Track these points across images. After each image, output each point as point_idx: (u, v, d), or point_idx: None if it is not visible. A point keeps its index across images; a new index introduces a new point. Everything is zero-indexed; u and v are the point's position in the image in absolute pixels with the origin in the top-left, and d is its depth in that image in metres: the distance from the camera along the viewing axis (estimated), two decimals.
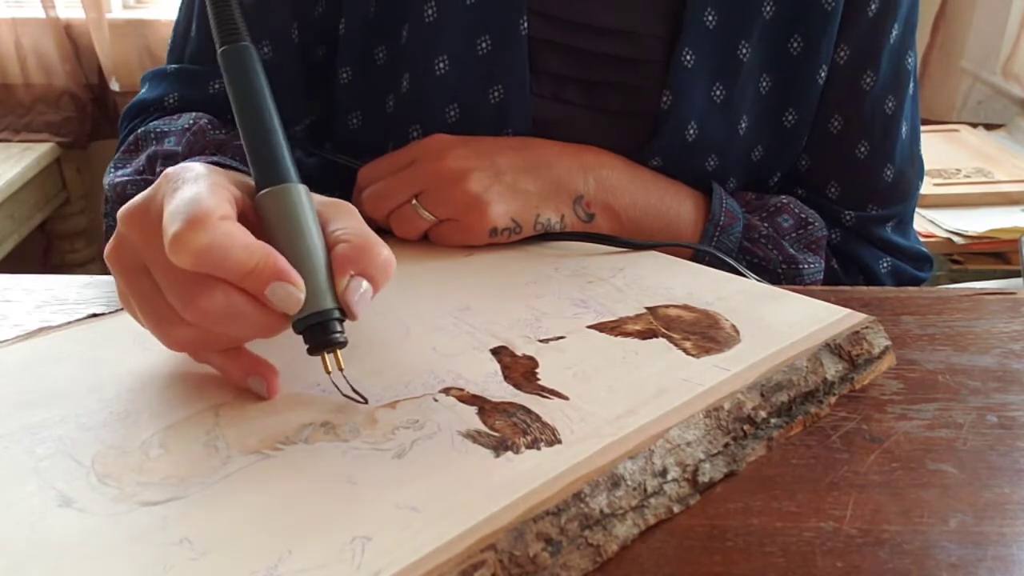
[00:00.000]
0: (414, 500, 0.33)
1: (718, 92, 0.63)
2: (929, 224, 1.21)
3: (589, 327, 0.46)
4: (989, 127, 1.54)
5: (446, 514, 0.32)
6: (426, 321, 0.47)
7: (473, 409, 0.39)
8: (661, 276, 0.52)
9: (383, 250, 0.38)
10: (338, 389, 0.39)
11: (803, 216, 0.65)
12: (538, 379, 0.41)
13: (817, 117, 0.66)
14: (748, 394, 0.40)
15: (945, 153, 1.39)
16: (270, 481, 0.34)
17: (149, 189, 0.39)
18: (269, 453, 0.36)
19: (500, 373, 0.41)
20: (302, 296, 0.37)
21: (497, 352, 0.43)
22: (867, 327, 0.46)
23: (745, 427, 0.39)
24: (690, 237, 0.62)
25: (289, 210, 0.38)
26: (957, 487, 0.37)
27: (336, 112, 0.68)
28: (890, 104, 0.66)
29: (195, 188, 0.37)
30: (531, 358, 0.43)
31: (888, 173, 0.67)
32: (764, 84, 0.64)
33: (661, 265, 0.55)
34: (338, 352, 0.38)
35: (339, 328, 0.38)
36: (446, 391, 0.40)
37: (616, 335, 0.45)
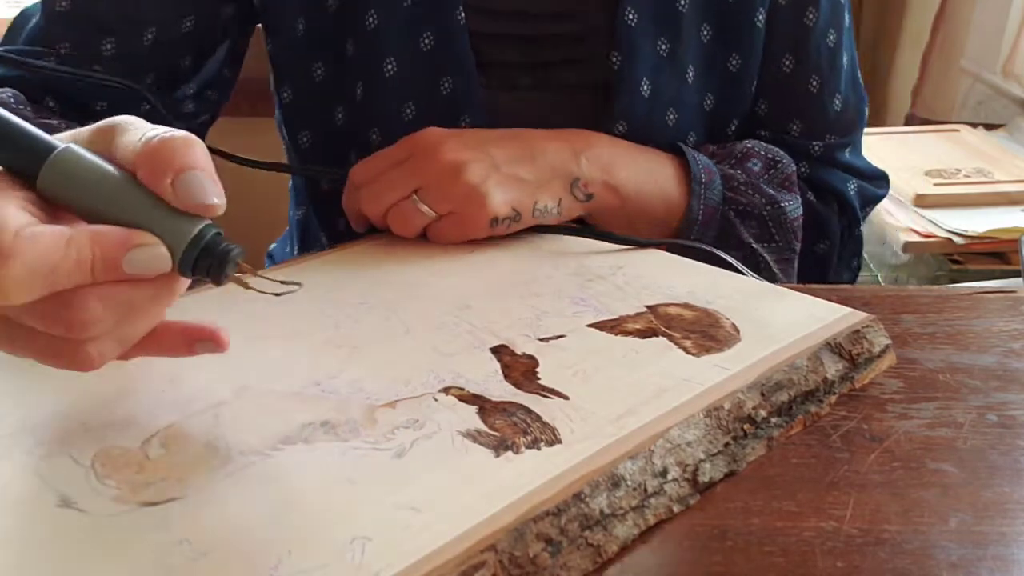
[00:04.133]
0: (414, 500, 0.33)
1: (663, 46, 0.64)
2: (929, 224, 1.21)
3: (589, 326, 0.46)
4: (989, 127, 1.54)
5: (446, 514, 0.32)
6: (426, 320, 0.47)
7: (473, 409, 0.39)
8: (661, 274, 0.52)
9: (178, 136, 0.33)
10: (274, 293, 0.36)
11: (770, 156, 0.66)
12: (538, 378, 0.41)
13: (768, 60, 0.68)
14: (748, 393, 0.40)
15: (945, 153, 1.39)
16: (270, 481, 0.34)
17: None
18: (269, 453, 0.36)
19: (500, 372, 0.41)
20: (161, 246, 0.33)
21: (497, 351, 0.43)
22: (867, 326, 0.46)
23: (745, 427, 0.39)
24: (679, 199, 0.63)
25: (76, 176, 0.33)
26: (957, 486, 0.37)
27: (285, 133, 0.69)
28: (831, 37, 0.68)
29: None
30: (531, 357, 0.43)
31: (837, 103, 0.70)
32: (705, 33, 0.65)
33: (661, 263, 0.55)
34: (240, 261, 0.35)
35: (221, 239, 0.34)
36: (446, 390, 0.40)
37: (616, 334, 0.45)
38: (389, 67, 0.62)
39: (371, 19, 0.62)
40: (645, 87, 0.63)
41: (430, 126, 0.60)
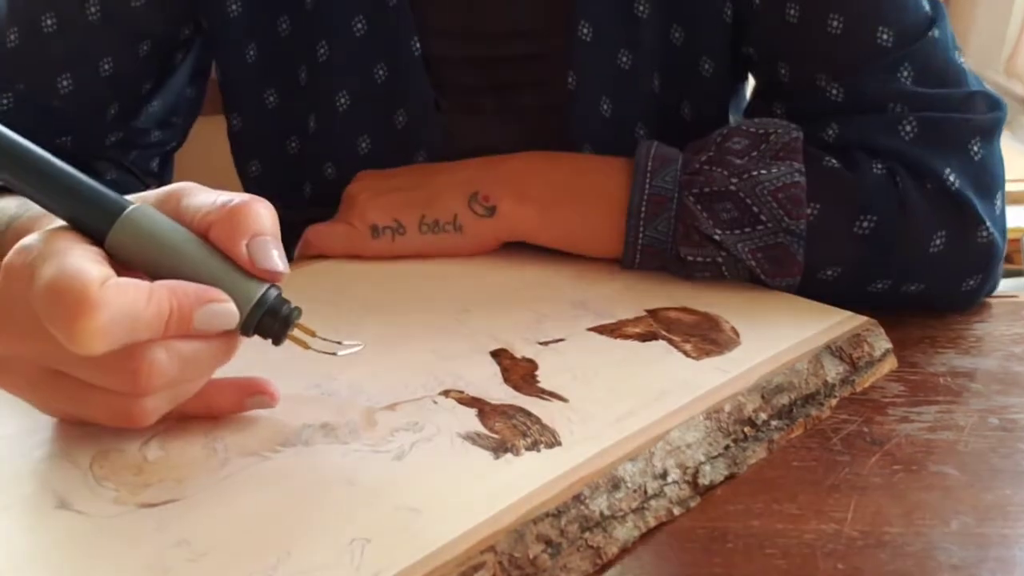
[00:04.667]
0: (414, 502, 0.33)
1: (624, 59, 0.60)
2: None
3: (589, 329, 0.46)
4: None
5: (446, 516, 0.32)
6: (426, 323, 0.47)
7: (473, 411, 0.38)
8: (661, 278, 0.52)
9: (253, 203, 0.35)
10: (333, 353, 0.37)
11: (758, 131, 0.53)
12: (538, 381, 0.41)
13: (760, 40, 0.59)
14: (749, 396, 0.40)
15: None
16: (269, 483, 0.34)
17: None
18: (268, 455, 0.36)
19: (500, 375, 0.41)
20: (232, 304, 0.34)
21: (497, 354, 0.43)
22: (868, 329, 0.46)
23: (746, 429, 0.39)
24: (620, 197, 0.53)
25: (148, 235, 0.34)
26: (959, 489, 0.37)
27: (235, 161, 0.68)
28: None
29: (53, 265, 0.32)
30: (531, 360, 0.43)
31: (834, 24, 0.54)
32: (676, 36, 0.61)
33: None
34: (300, 322, 0.36)
35: (284, 302, 0.36)
36: (446, 393, 0.40)
37: (616, 337, 0.45)
38: (342, 100, 0.61)
39: (323, 50, 0.61)
40: (605, 105, 0.61)
41: (385, 159, 0.60)
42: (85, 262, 0.32)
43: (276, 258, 0.35)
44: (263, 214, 0.35)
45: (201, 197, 0.36)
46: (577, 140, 0.61)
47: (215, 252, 0.35)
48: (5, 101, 0.58)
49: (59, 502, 0.33)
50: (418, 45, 0.60)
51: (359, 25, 0.60)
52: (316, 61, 0.61)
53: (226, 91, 0.65)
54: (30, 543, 0.31)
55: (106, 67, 0.60)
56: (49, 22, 0.57)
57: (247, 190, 0.68)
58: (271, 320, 0.35)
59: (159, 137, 0.67)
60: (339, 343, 0.37)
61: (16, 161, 0.35)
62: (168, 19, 0.61)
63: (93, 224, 0.34)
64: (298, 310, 0.36)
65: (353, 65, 0.61)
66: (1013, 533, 0.35)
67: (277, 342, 0.36)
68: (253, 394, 0.37)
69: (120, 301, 0.31)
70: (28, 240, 0.34)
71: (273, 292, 0.35)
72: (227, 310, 0.34)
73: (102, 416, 0.34)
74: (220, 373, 0.37)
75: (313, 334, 0.37)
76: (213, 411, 0.37)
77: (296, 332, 0.36)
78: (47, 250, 0.32)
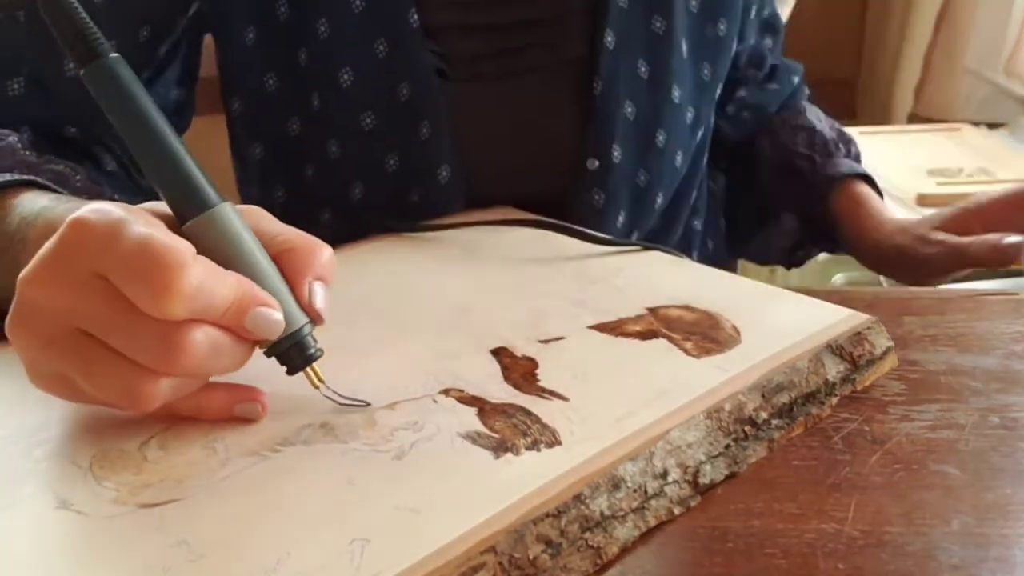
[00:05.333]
0: (413, 502, 0.33)
1: (658, 24, 0.64)
2: None
3: (589, 328, 0.46)
4: (991, 126, 1.54)
5: (446, 516, 0.32)
6: (426, 322, 0.47)
7: (473, 410, 0.38)
8: (662, 276, 0.52)
9: (324, 246, 0.38)
10: (335, 401, 0.38)
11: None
12: (538, 380, 0.41)
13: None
14: (749, 395, 0.40)
15: (947, 152, 1.39)
16: (269, 483, 0.34)
17: (50, 245, 0.34)
18: (268, 455, 0.36)
19: (500, 374, 0.41)
20: (282, 318, 0.35)
21: (497, 353, 0.43)
22: (869, 328, 0.46)
23: (746, 428, 0.39)
24: None
25: (231, 233, 0.36)
26: (959, 488, 0.37)
27: (235, 147, 0.68)
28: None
29: (143, 228, 0.33)
30: (531, 359, 0.43)
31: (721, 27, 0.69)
32: (692, 4, 0.67)
33: (662, 265, 0.54)
34: (316, 365, 0.38)
35: (314, 341, 0.38)
36: (445, 392, 0.40)
37: (616, 336, 0.45)
38: (345, 77, 0.62)
39: (323, 27, 0.61)
40: (642, 68, 0.64)
41: (389, 134, 0.61)
42: (173, 234, 0.33)
43: (325, 304, 0.37)
44: (330, 260, 0.38)
45: (276, 225, 0.38)
46: (614, 99, 0.63)
47: (275, 270, 0.37)
48: (16, 86, 0.59)
49: (59, 502, 0.33)
50: (416, 16, 0.60)
51: (358, 1, 0.60)
52: (317, 39, 0.61)
53: (225, 75, 0.65)
54: (30, 543, 0.31)
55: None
56: None
57: (247, 176, 0.69)
58: (296, 351, 0.37)
59: None
60: (344, 397, 0.38)
61: (138, 122, 0.36)
62: (169, 2, 0.62)
63: (182, 204, 0.36)
64: (321, 351, 0.38)
65: (354, 41, 0.61)
66: (1014, 533, 0.35)
67: (291, 372, 0.38)
68: (244, 401, 0.37)
69: (206, 271, 0.33)
70: (101, 204, 0.34)
71: (308, 328, 0.37)
72: (277, 320, 0.35)
73: (111, 388, 0.34)
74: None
75: (322, 381, 0.38)
76: (203, 413, 0.37)
77: (310, 371, 0.38)
78: (132, 216, 0.33)
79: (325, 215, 0.67)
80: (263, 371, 0.38)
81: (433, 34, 0.61)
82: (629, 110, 0.64)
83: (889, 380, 0.45)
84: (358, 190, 0.65)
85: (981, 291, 0.56)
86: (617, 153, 0.64)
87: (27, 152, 0.55)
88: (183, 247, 0.33)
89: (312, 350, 0.37)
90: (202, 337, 0.33)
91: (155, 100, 0.66)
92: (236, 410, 0.37)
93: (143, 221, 0.33)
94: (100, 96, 0.36)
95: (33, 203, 0.44)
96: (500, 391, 0.40)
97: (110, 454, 0.36)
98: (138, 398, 0.34)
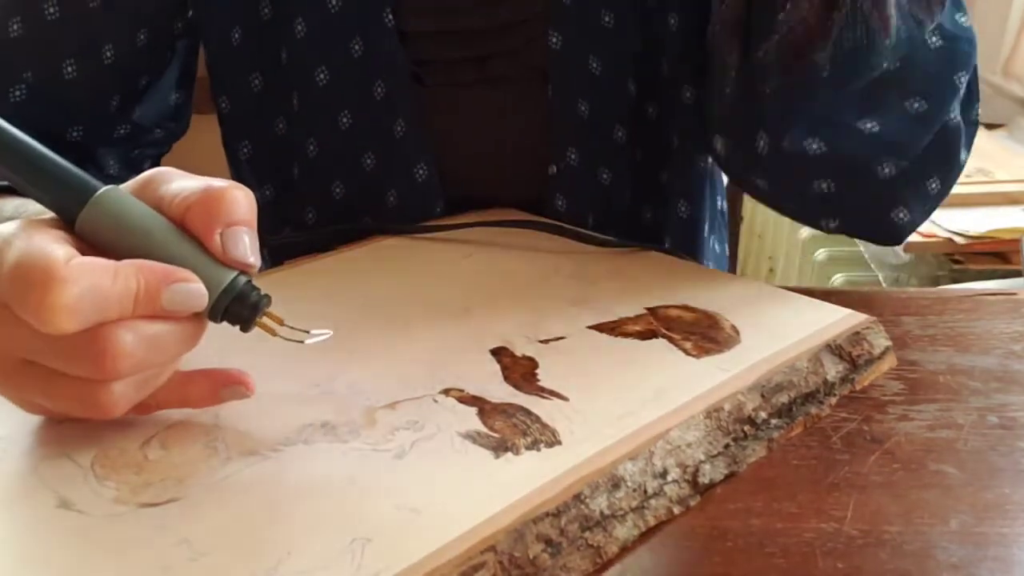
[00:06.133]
0: (414, 501, 0.33)
1: (607, 19, 0.61)
2: (930, 224, 1.20)
3: (589, 328, 0.46)
4: (990, 127, 1.54)
5: (446, 515, 0.32)
6: (425, 322, 0.47)
7: (473, 410, 0.39)
8: (661, 276, 0.52)
9: (231, 189, 0.35)
10: (302, 342, 0.37)
11: None
12: (538, 380, 0.41)
13: None
14: (748, 395, 0.40)
15: None
16: (269, 482, 0.34)
17: None
18: (268, 454, 0.36)
19: (500, 374, 0.41)
20: (201, 284, 0.33)
21: (497, 353, 0.43)
22: (868, 328, 0.46)
23: (745, 428, 0.39)
24: None
25: (119, 216, 0.34)
26: (958, 488, 0.37)
27: (226, 146, 0.68)
28: None
29: (19, 246, 0.31)
30: (531, 359, 0.43)
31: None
32: None
33: (661, 265, 0.55)
34: (270, 310, 0.36)
35: (254, 288, 0.35)
36: (446, 392, 0.40)
37: (616, 336, 0.45)
38: (321, 76, 0.62)
39: (300, 27, 0.61)
40: (594, 64, 0.61)
41: (366, 132, 0.60)
42: (49, 243, 0.32)
43: (248, 248, 0.35)
44: (240, 201, 0.35)
45: (179, 183, 0.35)
46: (566, 100, 0.62)
47: (187, 238, 0.34)
48: (18, 93, 0.59)
49: (60, 501, 0.33)
50: (391, 17, 0.60)
51: (334, 1, 0.60)
52: (294, 38, 0.62)
53: (214, 75, 0.66)
54: (31, 542, 0.31)
55: (108, 54, 0.60)
56: (52, 9, 0.58)
57: (239, 174, 0.69)
58: (239, 306, 0.35)
59: (155, 137, 0.68)
60: (307, 331, 0.37)
61: None
62: (164, 4, 0.62)
63: (64, 205, 0.34)
64: (267, 297, 0.36)
65: (329, 40, 0.61)
66: (1012, 532, 0.35)
67: (245, 328, 0.36)
68: (228, 385, 0.37)
69: (87, 277, 0.31)
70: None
71: (242, 279, 0.35)
72: (195, 290, 0.33)
73: (72, 405, 0.34)
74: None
75: (281, 322, 0.37)
76: (188, 403, 0.37)
77: (265, 320, 0.36)
78: (13, 236, 0.32)
79: (309, 215, 0.67)
80: (264, 371, 0.38)
81: (409, 40, 0.61)
82: (583, 108, 0.63)
83: (888, 380, 0.45)
84: (338, 189, 0.65)
85: (980, 291, 0.56)
86: (574, 156, 0.63)
87: None
88: (54, 257, 0.31)
89: (254, 298, 0.35)
90: (128, 336, 0.32)
91: (156, 104, 0.64)
92: (221, 394, 0.37)
93: (24, 237, 0.32)
94: None
95: None
96: (500, 391, 0.40)
97: (111, 453, 0.36)
98: (97, 408, 0.33)
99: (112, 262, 0.32)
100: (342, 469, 0.35)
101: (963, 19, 0.54)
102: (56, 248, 0.31)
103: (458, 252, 0.56)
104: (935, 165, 0.55)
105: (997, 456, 0.39)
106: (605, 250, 0.56)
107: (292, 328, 0.37)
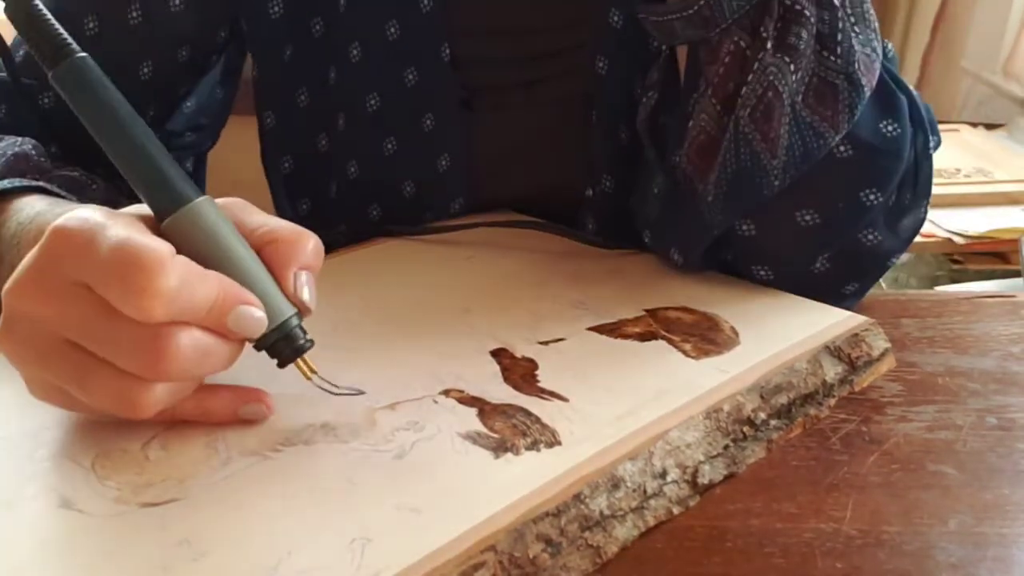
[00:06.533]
0: (414, 501, 0.33)
1: (654, 44, 0.58)
2: (929, 224, 1.20)
3: (589, 329, 0.46)
4: (989, 127, 1.54)
5: (446, 515, 0.32)
6: (426, 323, 0.47)
7: (473, 411, 0.39)
8: (661, 278, 0.52)
9: (310, 235, 0.37)
10: (329, 392, 0.38)
11: None
12: (538, 381, 0.41)
13: None
14: (748, 396, 0.40)
15: (945, 153, 1.39)
16: (270, 482, 0.34)
17: (32, 255, 0.33)
18: (269, 454, 0.36)
19: (500, 375, 0.41)
20: (264, 314, 0.35)
21: (497, 354, 0.43)
22: (866, 329, 0.46)
23: (745, 429, 0.39)
24: None
25: (209, 229, 0.35)
26: (957, 488, 0.37)
27: (265, 159, 0.68)
28: None
29: (120, 231, 0.32)
30: (531, 360, 0.43)
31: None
32: None
33: (660, 267, 0.55)
34: (307, 357, 0.37)
35: (304, 333, 0.37)
36: (446, 393, 0.40)
37: (616, 337, 0.45)
38: (372, 102, 0.62)
39: (355, 51, 0.61)
40: (638, 90, 0.59)
41: (409, 162, 0.60)
42: (150, 234, 0.33)
43: (312, 296, 0.37)
44: (317, 249, 0.37)
45: (258, 216, 0.37)
46: (610, 125, 0.61)
47: (259, 264, 0.36)
48: (46, 100, 0.58)
49: (62, 501, 0.33)
50: (448, 51, 0.60)
51: (392, 29, 0.60)
52: (348, 62, 0.61)
53: (261, 90, 0.65)
54: (33, 542, 0.31)
55: (145, 71, 0.60)
56: (91, 26, 0.57)
57: (276, 188, 0.69)
58: (285, 344, 0.37)
59: (191, 139, 0.68)
60: (336, 386, 0.38)
61: (108, 122, 0.36)
62: (206, 22, 0.61)
63: (160, 203, 0.36)
64: (311, 343, 0.37)
65: (385, 68, 0.61)
66: (1011, 532, 0.35)
67: (282, 365, 0.37)
68: (248, 402, 0.38)
69: (185, 272, 0.32)
70: (81, 211, 0.34)
71: (295, 320, 0.37)
72: (261, 318, 0.35)
73: (105, 398, 0.34)
74: (216, 379, 0.37)
75: (315, 372, 0.38)
76: (208, 416, 0.37)
77: (301, 363, 0.37)
78: (111, 220, 0.33)
79: (341, 228, 0.67)
80: (264, 371, 0.38)
81: (461, 65, 0.61)
82: (624, 135, 0.63)
83: (887, 381, 0.45)
84: (375, 212, 0.65)
85: (978, 293, 0.56)
86: (608, 183, 0.63)
87: (41, 159, 0.55)
88: (161, 247, 0.32)
89: (301, 341, 0.37)
90: (187, 340, 0.33)
91: (199, 101, 0.63)
92: (241, 412, 0.38)
93: (122, 224, 0.33)
94: (69, 97, 0.36)
95: (31, 208, 0.44)
96: (500, 392, 0.40)
97: (112, 454, 0.36)
98: (133, 406, 0.34)
99: (202, 268, 0.34)
100: (342, 469, 0.35)
101: (891, 128, 0.48)
102: (159, 240, 0.33)
103: (459, 253, 0.56)
104: (851, 275, 0.51)
105: (996, 457, 0.40)
106: (605, 252, 0.57)
107: (323, 380, 0.38)
